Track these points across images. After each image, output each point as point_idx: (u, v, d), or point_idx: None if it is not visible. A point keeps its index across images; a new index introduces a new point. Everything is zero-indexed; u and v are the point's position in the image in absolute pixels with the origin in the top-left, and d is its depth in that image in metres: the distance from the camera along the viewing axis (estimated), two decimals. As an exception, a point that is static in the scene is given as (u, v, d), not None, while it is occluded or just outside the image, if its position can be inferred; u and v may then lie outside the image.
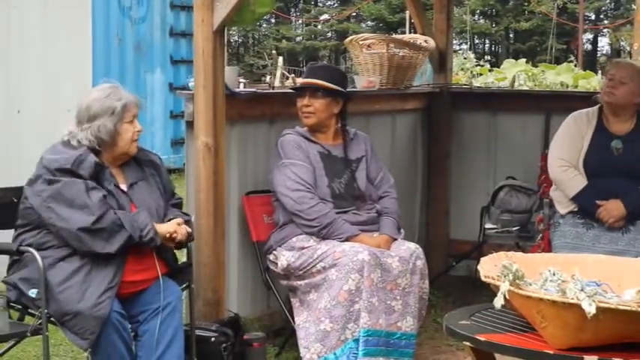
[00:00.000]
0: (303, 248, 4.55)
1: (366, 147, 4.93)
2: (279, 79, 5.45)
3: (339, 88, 4.78)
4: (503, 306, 3.05)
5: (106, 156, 3.95)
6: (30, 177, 3.89)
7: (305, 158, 4.67)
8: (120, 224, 3.76)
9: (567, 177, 4.92)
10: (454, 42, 19.24)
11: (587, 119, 5.00)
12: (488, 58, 25.32)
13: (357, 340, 4.34)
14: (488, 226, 6.09)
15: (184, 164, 5.10)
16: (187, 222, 4.10)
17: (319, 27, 34.80)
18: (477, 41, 33.47)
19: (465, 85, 10.25)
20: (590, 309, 2.81)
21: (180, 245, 4.10)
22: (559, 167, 4.95)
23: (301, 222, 4.58)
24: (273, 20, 33.88)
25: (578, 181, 4.90)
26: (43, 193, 3.78)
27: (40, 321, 3.70)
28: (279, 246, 4.65)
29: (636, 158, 4.86)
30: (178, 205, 4.23)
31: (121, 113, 3.92)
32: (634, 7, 5.18)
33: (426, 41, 6.17)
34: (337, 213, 4.62)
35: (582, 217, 4.94)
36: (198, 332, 4.28)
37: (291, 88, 5.04)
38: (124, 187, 3.98)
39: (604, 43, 35.94)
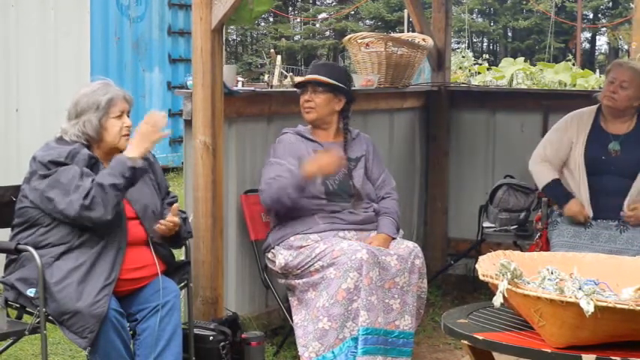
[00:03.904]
0: (301, 247, 4.55)
1: (368, 148, 4.93)
2: (278, 78, 5.45)
3: (340, 84, 4.78)
4: (501, 304, 3.05)
5: (97, 152, 3.94)
6: (25, 176, 3.87)
7: (294, 160, 4.66)
8: (99, 183, 3.69)
9: (538, 169, 5.06)
10: (452, 40, 19.25)
11: (583, 120, 5.00)
12: (487, 56, 25.30)
13: (355, 339, 4.34)
14: (486, 224, 6.09)
15: (183, 163, 5.10)
16: (184, 220, 4.10)
17: (317, 26, 34.81)
18: (475, 40, 33.51)
19: (463, 83, 10.23)
20: (588, 307, 2.81)
21: (179, 242, 4.09)
22: (536, 160, 5.09)
23: (267, 203, 4.63)
24: (271, 19, 33.86)
25: (547, 174, 5.02)
26: (41, 185, 3.77)
27: (38, 319, 3.70)
28: (277, 245, 4.65)
29: (633, 158, 4.86)
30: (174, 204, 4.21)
31: (106, 108, 3.89)
32: (632, 5, 5.16)
33: (424, 40, 6.17)
34: (331, 210, 4.65)
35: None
36: (196, 331, 4.28)
37: (293, 85, 5.04)
38: None
39: (602, 42, 36.02)
